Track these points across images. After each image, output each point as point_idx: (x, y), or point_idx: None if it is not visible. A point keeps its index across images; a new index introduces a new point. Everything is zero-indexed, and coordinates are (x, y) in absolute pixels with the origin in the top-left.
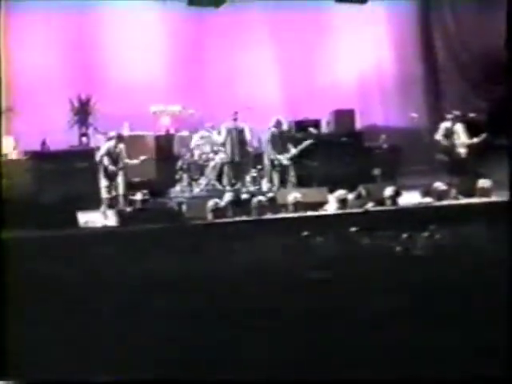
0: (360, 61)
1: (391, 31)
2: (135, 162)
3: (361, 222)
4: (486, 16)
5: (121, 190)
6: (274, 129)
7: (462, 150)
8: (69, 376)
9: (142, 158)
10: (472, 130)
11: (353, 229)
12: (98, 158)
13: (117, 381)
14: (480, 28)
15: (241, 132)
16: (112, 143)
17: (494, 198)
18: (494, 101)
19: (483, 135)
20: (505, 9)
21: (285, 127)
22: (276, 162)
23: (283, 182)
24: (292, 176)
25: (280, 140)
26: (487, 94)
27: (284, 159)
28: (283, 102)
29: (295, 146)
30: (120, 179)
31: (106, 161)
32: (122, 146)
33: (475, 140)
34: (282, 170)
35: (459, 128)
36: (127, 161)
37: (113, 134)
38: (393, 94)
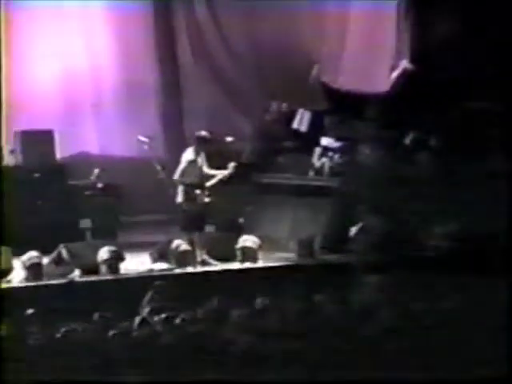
0: (67, 65)
1: (114, 29)
2: None
3: (62, 299)
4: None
5: None
6: None
7: (205, 194)
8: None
9: None
10: (227, 162)
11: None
12: None
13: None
14: (249, 25)
15: None
16: None
17: (261, 263)
18: (267, 121)
19: (231, 165)
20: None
21: None
22: None
23: None
24: None
25: None
26: (257, 112)
27: None
28: None
29: None
30: None
31: None
32: None
33: (220, 175)
34: None
35: (203, 157)
36: None
37: None
38: (114, 111)
